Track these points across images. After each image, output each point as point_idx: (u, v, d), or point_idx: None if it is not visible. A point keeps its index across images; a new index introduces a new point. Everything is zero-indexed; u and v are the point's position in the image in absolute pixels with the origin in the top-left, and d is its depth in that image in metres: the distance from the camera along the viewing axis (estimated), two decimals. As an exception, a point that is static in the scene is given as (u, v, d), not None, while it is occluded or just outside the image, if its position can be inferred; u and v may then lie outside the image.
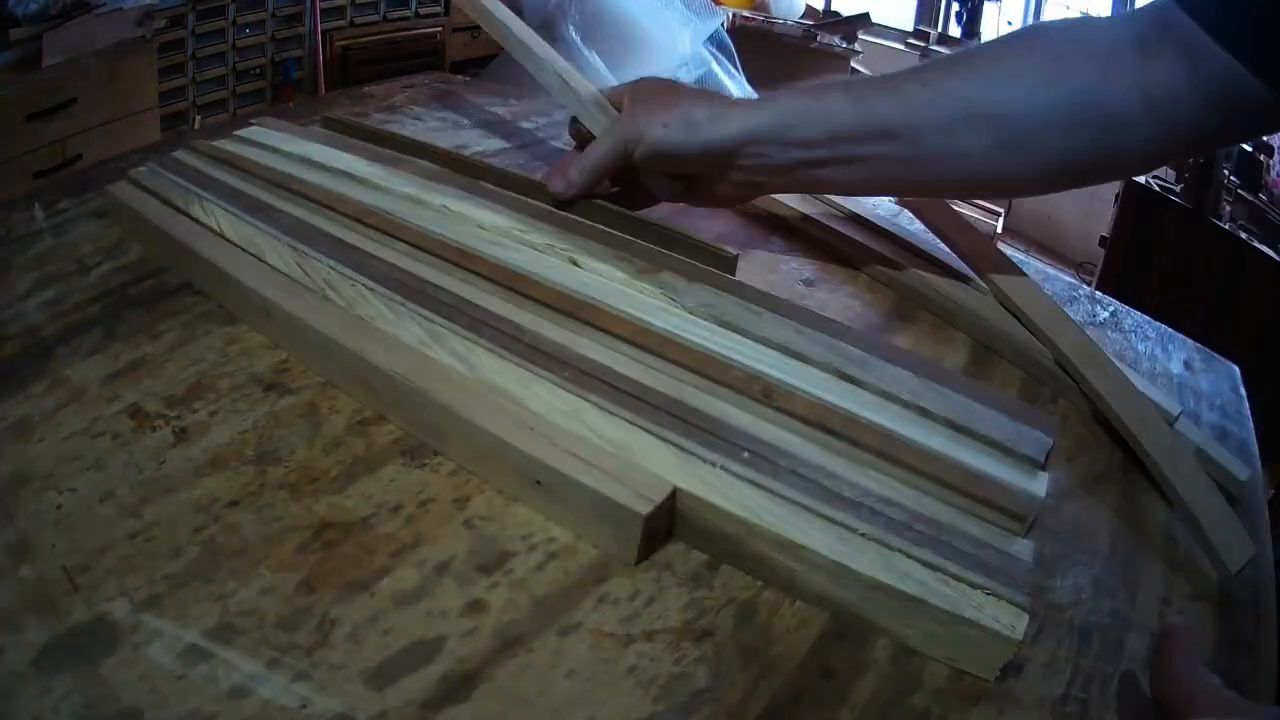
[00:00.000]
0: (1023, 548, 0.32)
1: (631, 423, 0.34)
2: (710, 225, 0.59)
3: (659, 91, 0.47)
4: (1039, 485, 0.34)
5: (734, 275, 0.46)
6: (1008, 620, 0.29)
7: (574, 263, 0.44)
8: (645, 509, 0.30)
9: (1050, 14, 3.01)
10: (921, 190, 0.51)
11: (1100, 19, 0.43)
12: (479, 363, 0.36)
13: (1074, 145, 0.41)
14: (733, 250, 0.46)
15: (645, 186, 0.50)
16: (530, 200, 0.50)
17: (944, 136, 0.42)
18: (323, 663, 0.27)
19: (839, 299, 0.52)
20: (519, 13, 0.63)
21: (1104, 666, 0.31)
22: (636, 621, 0.30)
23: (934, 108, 0.42)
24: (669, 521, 0.33)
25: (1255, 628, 0.35)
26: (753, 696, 0.28)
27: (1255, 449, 0.46)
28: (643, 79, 0.52)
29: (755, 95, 0.48)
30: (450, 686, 0.27)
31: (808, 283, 0.54)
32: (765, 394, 0.36)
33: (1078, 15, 0.46)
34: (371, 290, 0.41)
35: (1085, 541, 0.37)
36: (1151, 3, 0.40)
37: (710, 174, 0.48)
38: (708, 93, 0.47)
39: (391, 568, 0.30)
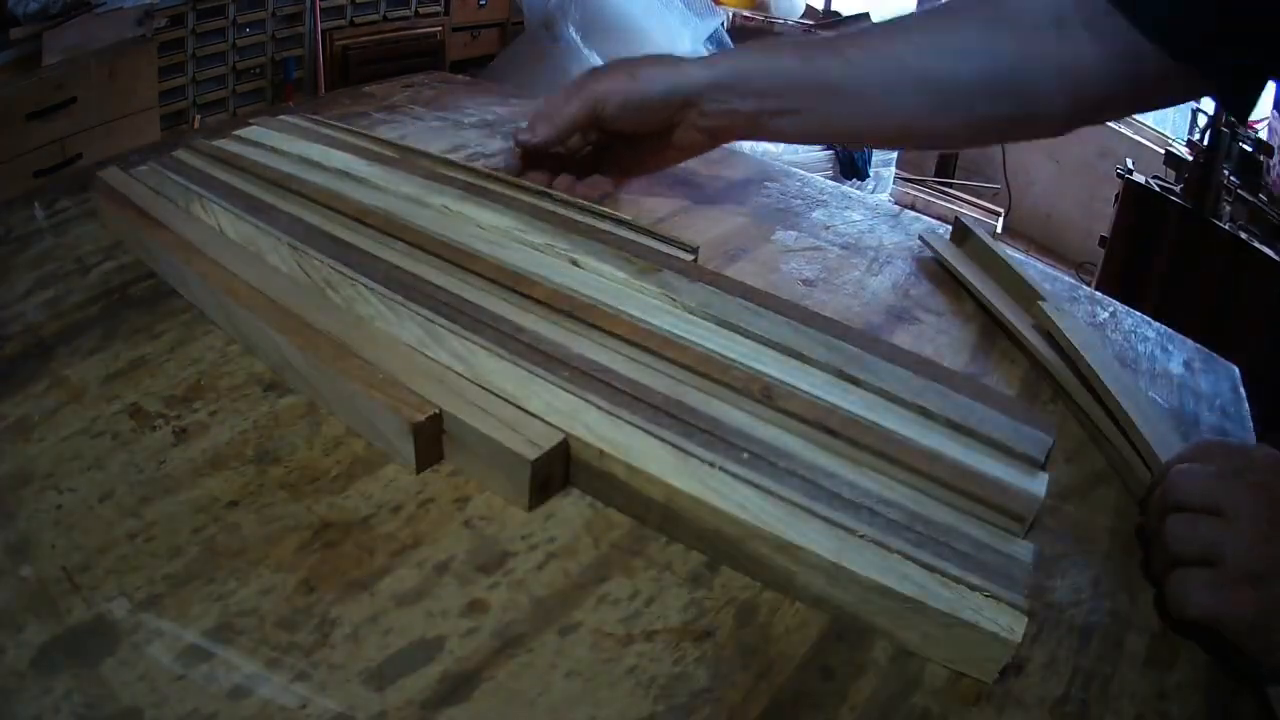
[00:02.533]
0: (1022, 548, 0.32)
1: (631, 423, 0.34)
2: (711, 226, 0.59)
3: (622, 60, 0.53)
4: (1039, 485, 0.34)
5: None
6: (1006, 622, 0.29)
7: (574, 263, 0.44)
8: (533, 455, 0.32)
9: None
10: (864, 139, 0.61)
11: None
12: (479, 363, 0.36)
13: (997, 111, 0.46)
14: (693, 244, 0.49)
15: (616, 153, 0.56)
16: (530, 200, 0.50)
17: (883, 95, 0.47)
18: (323, 663, 0.27)
19: (839, 299, 0.52)
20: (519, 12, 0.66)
21: (1104, 666, 0.31)
22: (636, 621, 0.30)
23: (875, 71, 0.47)
24: (564, 471, 0.34)
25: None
26: (753, 696, 0.28)
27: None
28: (609, 61, 0.56)
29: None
30: (450, 686, 0.27)
31: (807, 283, 0.54)
32: (765, 394, 0.36)
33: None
34: (371, 290, 0.41)
35: (1085, 541, 0.37)
36: None
37: (675, 123, 0.52)
38: (662, 55, 0.52)
39: (391, 568, 0.30)
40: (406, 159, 0.55)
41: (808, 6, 2.90)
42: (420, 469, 0.35)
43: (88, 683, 0.25)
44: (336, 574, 0.30)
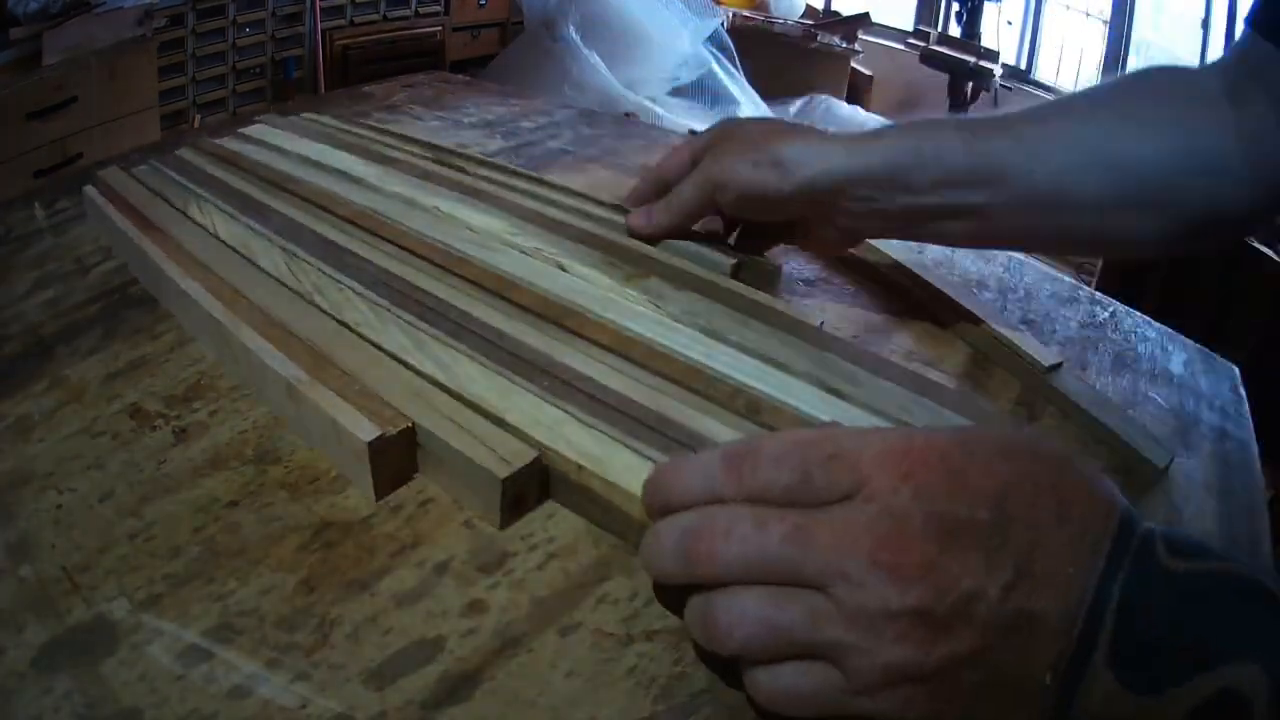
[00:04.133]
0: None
1: (610, 436, 0.33)
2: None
3: (749, 130, 0.45)
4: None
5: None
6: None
7: (560, 267, 0.44)
8: (504, 472, 0.31)
9: (1049, 16, 3.00)
10: (1031, 244, 0.48)
11: (1192, 68, 0.43)
12: (459, 371, 0.36)
13: (1189, 199, 0.40)
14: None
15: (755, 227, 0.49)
16: (521, 202, 0.50)
17: (1058, 179, 0.40)
18: (323, 663, 0.27)
19: (839, 300, 0.52)
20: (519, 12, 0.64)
21: (1103, 667, 0.31)
22: (636, 621, 0.30)
23: (1050, 149, 0.40)
24: (540, 487, 0.33)
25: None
26: (752, 697, 0.28)
27: (1255, 449, 0.46)
28: (729, 120, 0.48)
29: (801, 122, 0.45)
30: (450, 686, 0.27)
31: (808, 283, 0.54)
32: (750, 408, 0.35)
33: (1170, 64, 0.46)
34: (359, 295, 0.40)
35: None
36: (1238, 45, 0.40)
37: (809, 218, 0.45)
38: (805, 129, 0.43)
39: (391, 568, 0.30)
40: (405, 157, 0.55)
41: (808, 6, 2.90)
42: (379, 497, 0.33)
43: (88, 683, 0.25)
44: (336, 574, 0.30)
